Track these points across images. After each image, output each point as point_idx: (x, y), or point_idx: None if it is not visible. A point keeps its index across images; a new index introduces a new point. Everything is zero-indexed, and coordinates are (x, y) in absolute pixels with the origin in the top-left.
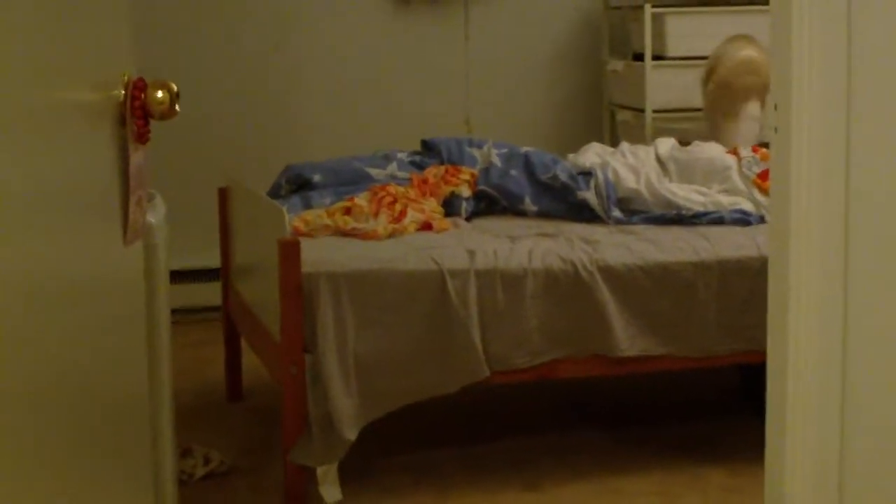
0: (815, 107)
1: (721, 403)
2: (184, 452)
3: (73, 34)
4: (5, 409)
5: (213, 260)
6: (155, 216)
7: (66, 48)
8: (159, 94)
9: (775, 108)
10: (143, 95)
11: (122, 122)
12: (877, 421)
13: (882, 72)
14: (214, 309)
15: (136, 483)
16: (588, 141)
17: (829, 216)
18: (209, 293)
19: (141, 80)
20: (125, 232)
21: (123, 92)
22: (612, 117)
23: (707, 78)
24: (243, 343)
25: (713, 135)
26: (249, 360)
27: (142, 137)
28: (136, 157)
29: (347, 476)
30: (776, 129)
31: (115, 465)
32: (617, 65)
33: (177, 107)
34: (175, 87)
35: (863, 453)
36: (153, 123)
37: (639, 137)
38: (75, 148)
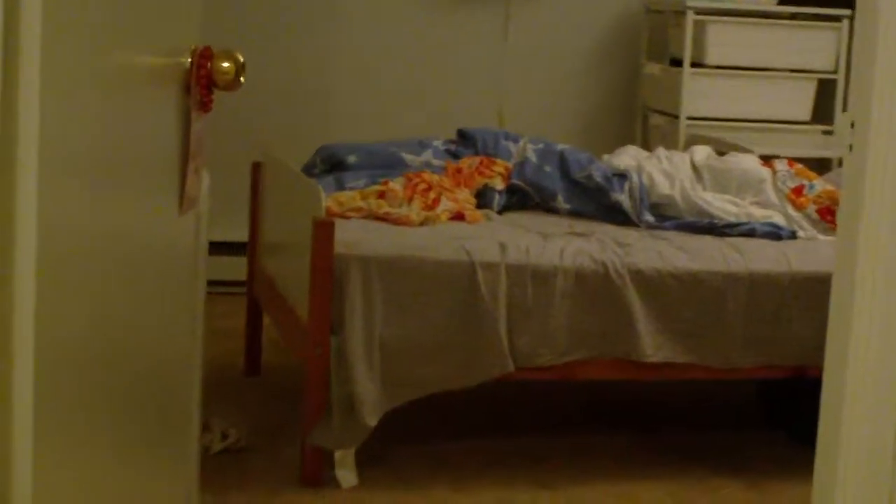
0: (894, 127)
1: (739, 414)
2: (202, 426)
3: None
4: (59, 367)
5: (238, 234)
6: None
7: (140, 11)
8: (225, 63)
9: (852, 125)
10: (209, 64)
11: (186, 89)
12: None
13: None
14: (237, 283)
15: (176, 452)
16: (619, 144)
17: None
18: (233, 267)
19: (208, 48)
20: (181, 200)
21: (190, 60)
22: (644, 121)
23: None
24: (265, 319)
25: None
26: (269, 336)
27: (205, 106)
28: (197, 125)
29: (363, 461)
30: (851, 147)
31: (160, 433)
32: (653, 69)
33: (242, 78)
34: (241, 59)
35: None
36: None
37: (671, 143)
38: (141, 112)
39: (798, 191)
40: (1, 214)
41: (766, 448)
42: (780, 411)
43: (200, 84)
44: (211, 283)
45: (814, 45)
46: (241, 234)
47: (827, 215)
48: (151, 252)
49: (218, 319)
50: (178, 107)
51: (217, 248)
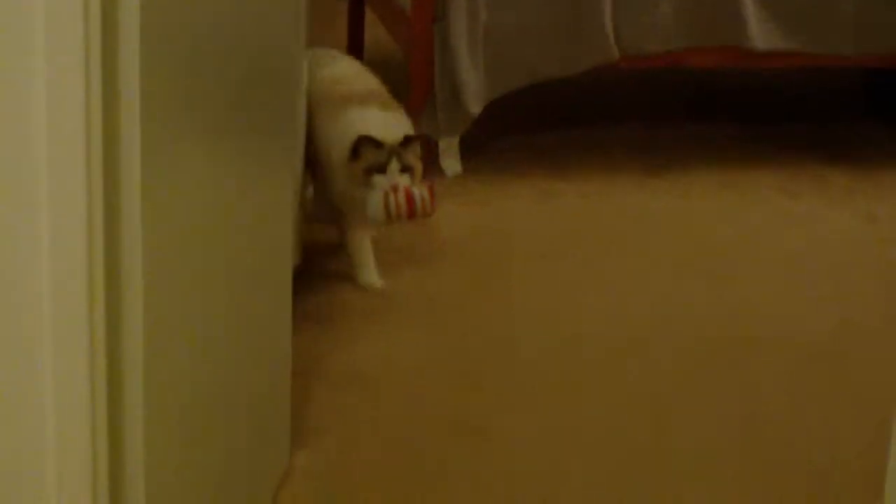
0: None
1: (843, 105)
2: None
3: None
4: (165, 65)
5: None
6: None
7: None
8: None
9: None
10: None
11: None
12: None
13: None
14: None
15: (281, 152)
16: None
17: None
18: None
19: None
20: None
21: None
22: None
23: None
24: (367, 15)
25: None
26: (370, 34)
27: None
28: None
29: (467, 152)
30: None
31: (265, 130)
32: None
33: None
34: None
35: None
36: None
37: None
38: None
39: None
40: None
41: (870, 137)
42: (885, 102)
43: None
44: None
45: None
46: None
47: None
48: None
49: (321, 11)
50: None
51: None
